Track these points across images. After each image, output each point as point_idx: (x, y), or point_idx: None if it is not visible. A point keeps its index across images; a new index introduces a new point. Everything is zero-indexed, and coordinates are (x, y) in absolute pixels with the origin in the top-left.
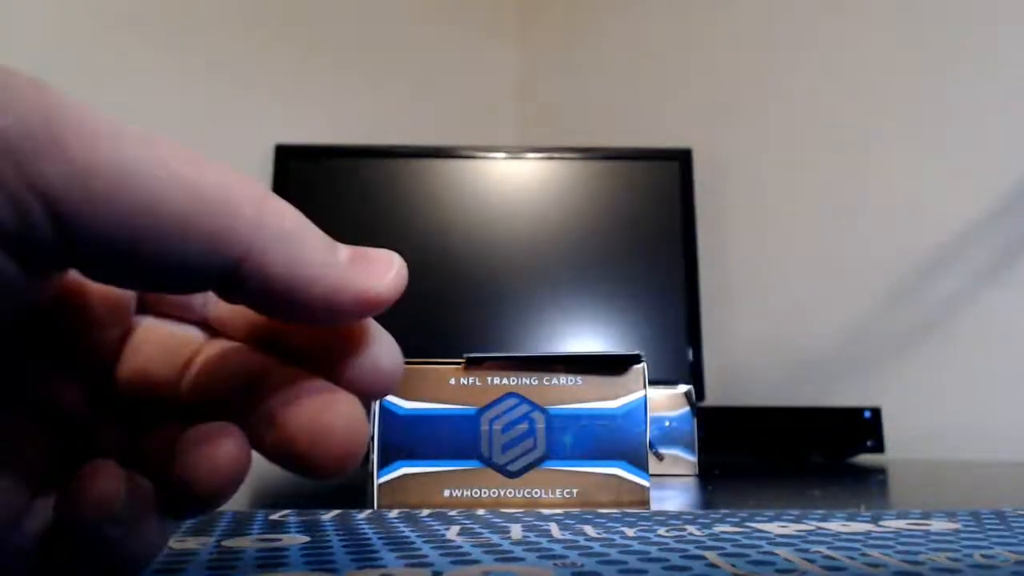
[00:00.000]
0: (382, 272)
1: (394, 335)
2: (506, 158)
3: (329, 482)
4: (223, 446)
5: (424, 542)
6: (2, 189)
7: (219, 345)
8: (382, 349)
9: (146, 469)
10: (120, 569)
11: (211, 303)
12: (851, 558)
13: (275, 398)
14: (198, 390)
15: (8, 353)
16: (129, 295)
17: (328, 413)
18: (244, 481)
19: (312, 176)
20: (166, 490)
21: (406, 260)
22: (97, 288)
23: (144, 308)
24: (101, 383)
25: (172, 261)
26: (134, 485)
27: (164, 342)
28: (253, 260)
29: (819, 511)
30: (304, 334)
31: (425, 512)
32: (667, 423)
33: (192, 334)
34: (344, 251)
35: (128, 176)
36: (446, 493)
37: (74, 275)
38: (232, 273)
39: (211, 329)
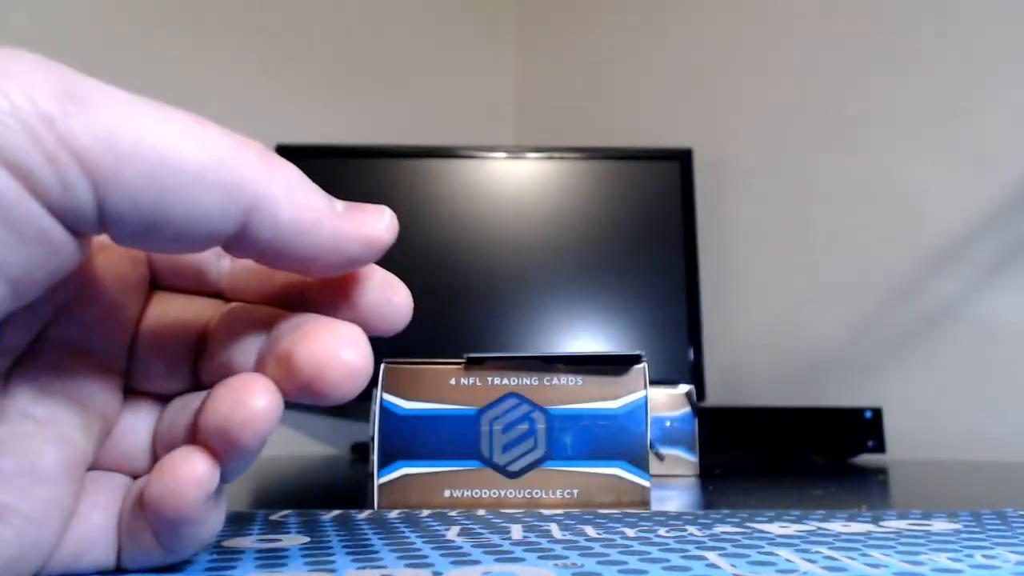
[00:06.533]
0: (377, 219)
1: (395, 335)
2: (506, 158)
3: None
4: (254, 394)
5: (424, 542)
6: (40, 147)
7: (233, 306)
8: (391, 286)
9: (176, 435)
10: (193, 546)
11: (223, 274)
12: (852, 558)
13: (282, 337)
14: (217, 349)
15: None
16: (143, 273)
17: (330, 339)
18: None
19: (313, 176)
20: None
21: (406, 260)
22: (110, 270)
23: (158, 284)
24: (122, 359)
25: (194, 213)
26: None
27: (181, 312)
28: (265, 207)
29: (820, 511)
30: (315, 288)
31: (425, 512)
32: (668, 423)
33: (207, 303)
34: (340, 203)
35: (150, 136)
36: (446, 493)
37: (88, 262)
38: (245, 222)
39: (225, 299)
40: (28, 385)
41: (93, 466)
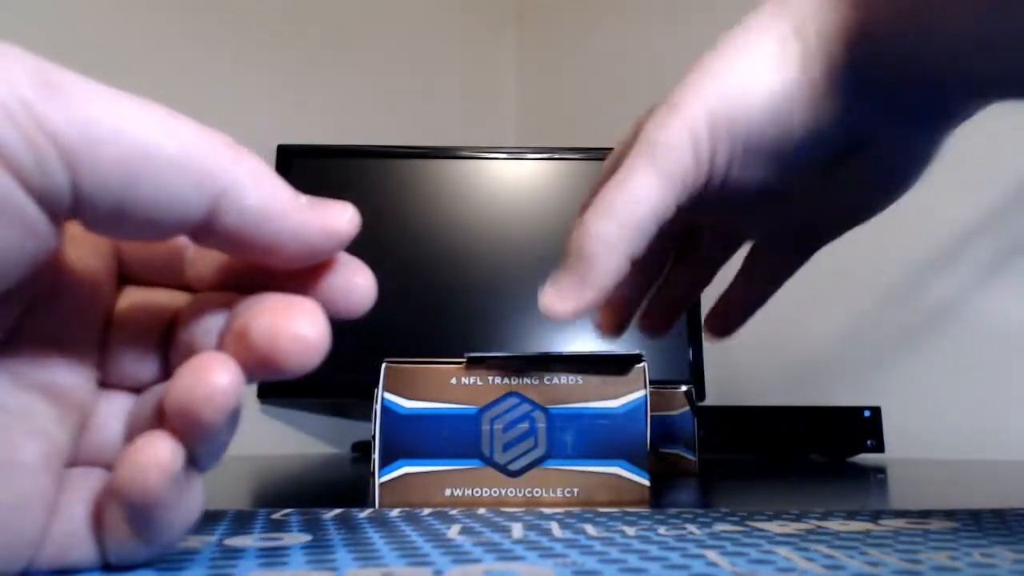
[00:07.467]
0: (339, 212)
1: (395, 334)
2: (506, 158)
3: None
4: (216, 373)
5: (425, 541)
6: (18, 129)
7: (199, 295)
8: (352, 268)
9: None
10: (168, 535)
11: (190, 265)
12: (851, 557)
13: (239, 314)
14: (182, 335)
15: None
16: (112, 266)
17: (284, 312)
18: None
19: (313, 176)
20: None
21: (406, 260)
22: (80, 263)
23: (127, 279)
24: (95, 351)
25: (164, 199)
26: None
27: (150, 304)
28: (232, 194)
29: (819, 510)
30: (278, 274)
31: (426, 511)
32: (667, 422)
33: (175, 295)
34: (304, 196)
35: (124, 124)
36: (447, 492)
37: (59, 256)
38: (213, 209)
39: (192, 291)
40: (3, 378)
41: (72, 462)
